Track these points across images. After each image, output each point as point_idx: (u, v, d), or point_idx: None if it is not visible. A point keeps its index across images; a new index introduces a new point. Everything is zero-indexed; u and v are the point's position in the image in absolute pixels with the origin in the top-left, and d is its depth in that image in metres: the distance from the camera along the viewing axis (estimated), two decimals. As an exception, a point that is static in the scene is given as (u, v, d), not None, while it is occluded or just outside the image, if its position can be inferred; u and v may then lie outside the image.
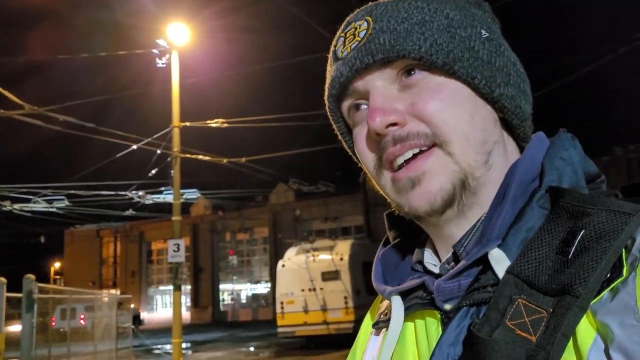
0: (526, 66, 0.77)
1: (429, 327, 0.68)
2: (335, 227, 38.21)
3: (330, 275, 16.55)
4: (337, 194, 33.29)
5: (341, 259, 16.65)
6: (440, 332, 0.66)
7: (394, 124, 0.67)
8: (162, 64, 17.84)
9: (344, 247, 17.49)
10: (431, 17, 0.68)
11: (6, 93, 12.72)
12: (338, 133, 0.80)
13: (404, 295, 0.72)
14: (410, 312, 0.70)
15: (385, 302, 0.81)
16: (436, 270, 0.72)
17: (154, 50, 17.89)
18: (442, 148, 0.66)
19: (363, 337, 0.86)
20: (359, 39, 0.69)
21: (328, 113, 0.78)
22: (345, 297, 16.28)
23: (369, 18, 0.70)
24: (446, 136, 0.66)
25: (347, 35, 0.72)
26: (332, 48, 0.75)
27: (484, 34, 0.70)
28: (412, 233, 0.79)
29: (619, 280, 0.53)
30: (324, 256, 16.96)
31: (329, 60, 0.76)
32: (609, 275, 0.54)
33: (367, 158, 0.72)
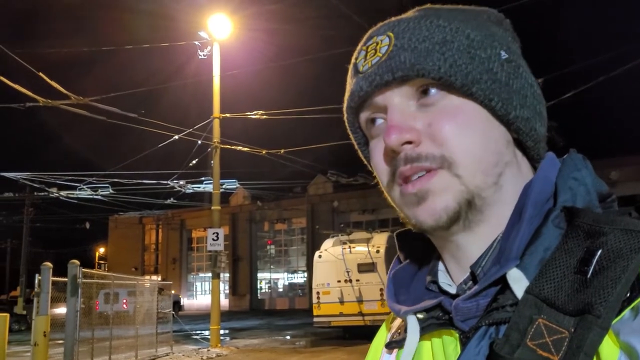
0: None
1: (446, 347, 0.69)
2: (373, 220, 38.10)
3: (366, 267, 16.54)
4: (376, 186, 32.96)
5: (377, 251, 16.61)
6: (459, 352, 0.66)
7: (409, 142, 0.68)
8: (204, 55, 18.08)
9: (380, 239, 17.44)
10: (452, 36, 0.69)
11: (53, 83, 13.14)
12: (355, 143, 0.81)
13: (419, 315, 0.72)
14: (426, 332, 0.71)
15: (397, 322, 0.82)
16: (452, 290, 0.72)
17: (196, 42, 18.14)
18: (449, 170, 0.67)
19: (373, 355, 0.86)
20: (380, 54, 0.70)
21: (346, 124, 0.79)
22: (381, 290, 16.24)
23: (391, 34, 0.71)
24: (456, 158, 0.66)
25: (369, 49, 0.73)
26: (353, 60, 0.76)
27: (503, 55, 0.71)
28: (423, 253, 0.79)
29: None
30: (361, 248, 16.94)
31: (349, 72, 0.76)
32: (628, 294, 0.54)
33: (381, 172, 0.73)
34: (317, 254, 17.91)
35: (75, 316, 10.43)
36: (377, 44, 0.72)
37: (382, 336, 0.87)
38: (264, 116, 18.37)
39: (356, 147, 0.82)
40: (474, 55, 0.68)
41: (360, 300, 16.54)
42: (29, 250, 38.10)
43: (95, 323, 11.94)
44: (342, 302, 16.76)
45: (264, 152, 19.66)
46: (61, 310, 11.11)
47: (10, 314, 10.91)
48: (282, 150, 19.73)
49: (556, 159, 0.71)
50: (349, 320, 16.71)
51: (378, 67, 0.70)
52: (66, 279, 10.47)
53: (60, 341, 10.82)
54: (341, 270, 16.78)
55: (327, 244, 18.06)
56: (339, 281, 16.85)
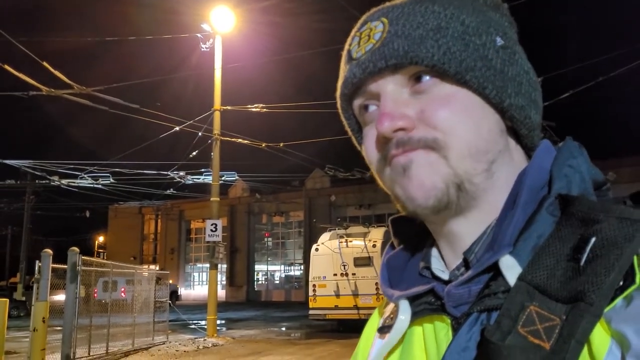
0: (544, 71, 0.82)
1: (438, 333, 0.68)
2: (369, 215, 38.14)
3: (362, 262, 16.63)
4: (372, 182, 32.93)
5: (374, 245, 16.71)
6: (450, 338, 0.66)
7: (402, 129, 0.67)
8: (206, 48, 18.12)
9: (377, 234, 17.52)
10: (447, 23, 0.68)
11: (56, 73, 13.22)
12: (348, 130, 0.81)
13: (412, 300, 0.72)
14: (418, 317, 0.71)
15: (390, 307, 0.81)
16: (444, 277, 0.71)
17: (198, 35, 18.18)
18: (438, 152, 0.66)
19: (365, 341, 0.86)
20: (374, 41, 0.70)
21: (339, 110, 0.79)
22: (377, 284, 16.19)
23: (385, 20, 0.70)
24: (448, 142, 0.66)
25: (362, 35, 0.72)
26: (346, 46, 0.75)
27: (499, 42, 0.70)
28: (416, 239, 0.79)
29: (633, 287, 0.53)
30: (357, 242, 17.02)
31: (342, 58, 0.76)
32: (622, 282, 0.54)
33: (372, 158, 0.73)
34: (314, 247, 18.00)
35: (74, 303, 10.52)
36: (371, 30, 0.71)
37: (375, 321, 0.86)
38: (264, 109, 18.45)
39: (350, 133, 0.81)
40: (469, 42, 0.68)
41: (355, 294, 16.65)
42: (29, 238, 38.22)
43: (94, 311, 12.03)
44: (337, 295, 16.87)
45: (263, 145, 19.75)
46: (59, 297, 11.23)
47: (9, 300, 11.03)
48: (282, 144, 19.83)
49: (552, 146, 0.71)
50: (344, 314, 16.82)
51: (371, 54, 0.69)
52: (65, 266, 10.55)
53: (58, 328, 10.90)
54: (337, 263, 16.89)
55: (324, 237, 18.13)
56: (335, 274, 16.96)
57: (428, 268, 0.74)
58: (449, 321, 0.67)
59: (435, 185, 0.66)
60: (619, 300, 0.54)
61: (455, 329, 0.66)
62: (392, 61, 0.68)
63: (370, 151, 0.73)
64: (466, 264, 0.69)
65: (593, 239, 0.56)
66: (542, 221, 0.62)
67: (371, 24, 0.72)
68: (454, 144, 0.66)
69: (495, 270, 0.62)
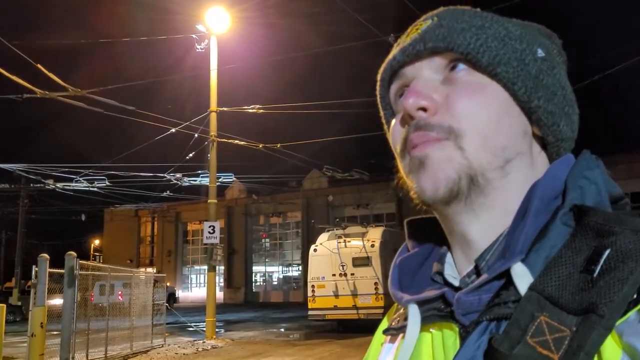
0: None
1: (446, 340, 0.68)
2: (368, 214, 38.17)
3: (361, 261, 16.62)
4: (370, 182, 33.17)
5: (372, 245, 16.71)
6: (458, 346, 0.65)
7: (424, 109, 0.68)
8: (201, 49, 18.06)
9: (375, 233, 17.53)
10: (490, 24, 0.71)
11: (50, 75, 13.13)
12: (384, 122, 0.81)
13: (421, 305, 0.71)
14: (426, 323, 0.70)
15: (399, 310, 0.81)
16: (456, 283, 0.71)
17: (193, 36, 18.11)
18: (455, 142, 0.67)
19: (375, 346, 0.85)
20: (420, 32, 0.73)
21: (377, 98, 0.81)
22: (376, 284, 16.35)
23: (436, 18, 0.74)
24: (464, 132, 0.66)
25: (412, 29, 0.75)
26: (399, 40, 0.78)
27: (539, 53, 0.71)
28: (431, 244, 0.79)
29: None
30: (356, 242, 17.02)
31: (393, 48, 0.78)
32: (635, 296, 0.53)
33: (396, 139, 0.74)
34: (312, 247, 17.99)
35: (73, 307, 10.46)
36: (421, 25, 0.74)
37: (384, 326, 0.85)
38: (261, 110, 18.40)
39: (385, 125, 0.81)
40: (507, 44, 0.69)
41: (354, 294, 16.64)
42: (24, 242, 38.06)
43: (91, 315, 11.97)
44: (336, 295, 16.86)
45: (260, 146, 19.71)
46: (56, 302, 11.14)
47: (5, 304, 10.94)
48: (279, 145, 19.78)
49: (572, 158, 0.70)
50: (343, 314, 16.82)
51: (413, 39, 0.72)
52: (62, 271, 10.49)
53: (55, 332, 10.85)
54: (336, 264, 16.88)
55: (323, 237, 18.14)
56: (333, 275, 16.95)
57: (440, 273, 0.74)
58: (457, 329, 0.67)
59: (448, 176, 0.67)
60: (632, 314, 0.53)
61: (463, 338, 0.65)
62: (430, 44, 0.70)
63: (394, 134, 0.74)
64: (477, 271, 0.69)
65: (607, 251, 0.55)
66: (556, 231, 0.61)
67: (423, 21, 0.75)
68: (468, 132, 0.66)
69: (506, 279, 0.62)
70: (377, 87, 0.79)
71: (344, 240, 17.23)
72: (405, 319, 0.73)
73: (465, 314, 0.66)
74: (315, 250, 17.66)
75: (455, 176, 0.66)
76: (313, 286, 17.31)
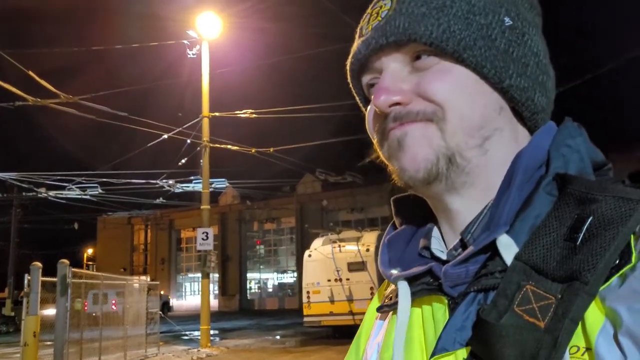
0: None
1: (435, 312, 0.69)
2: (362, 218, 38.21)
3: (356, 266, 16.56)
4: (364, 185, 33.20)
5: (367, 250, 16.65)
6: (447, 317, 0.66)
7: (398, 104, 0.69)
8: (193, 54, 18.02)
9: (370, 238, 17.48)
10: (452, 1, 0.69)
11: (42, 82, 13.06)
12: (360, 105, 0.82)
13: (411, 280, 0.72)
14: (416, 298, 0.71)
15: (390, 287, 0.81)
16: (443, 257, 0.72)
17: (185, 41, 18.07)
18: (436, 123, 0.67)
19: (368, 323, 0.86)
20: (380, 18, 0.71)
21: (350, 86, 0.81)
22: (371, 288, 16.28)
23: None
24: (445, 114, 0.67)
25: (372, 13, 0.74)
26: (360, 23, 0.76)
27: (507, 22, 0.69)
28: (418, 219, 0.79)
29: (628, 266, 0.54)
30: (351, 247, 16.96)
31: (356, 35, 0.77)
32: (617, 261, 0.54)
33: (372, 131, 0.75)
34: (306, 253, 17.91)
35: (65, 316, 10.36)
36: (381, 7, 0.73)
37: (375, 304, 0.86)
38: (254, 115, 18.35)
39: (362, 108, 0.82)
40: (472, 21, 0.68)
41: (350, 299, 16.57)
42: (16, 252, 37.75)
43: (84, 324, 11.86)
44: (332, 301, 16.77)
45: (253, 150, 19.66)
46: (49, 311, 11.01)
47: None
48: (272, 149, 19.73)
49: (554, 127, 0.71)
50: (339, 320, 16.73)
51: (375, 31, 0.71)
52: (55, 279, 10.41)
53: (49, 342, 10.75)
54: (331, 269, 16.80)
55: (317, 243, 18.06)
56: (329, 280, 16.87)
57: (427, 248, 0.75)
58: (446, 301, 0.68)
59: (427, 157, 0.67)
60: (614, 279, 0.54)
61: (452, 309, 0.66)
62: (392, 38, 0.69)
63: (370, 127, 0.75)
64: (463, 244, 0.70)
65: (590, 219, 0.56)
66: (540, 201, 0.62)
67: (382, 1, 0.73)
68: (450, 116, 0.66)
69: (492, 250, 0.62)
70: (348, 78, 0.79)
71: (339, 245, 17.16)
72: (397, 295, 0.74)
73: (454, 286, 0.67)
74: (309, 255, 17.58)
75: (433, 157, 0.67)
76: (308, 292, 17.22)
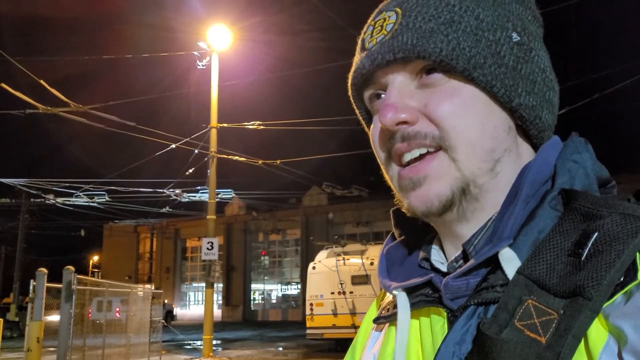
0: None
1: (434, 325, 0.68)
2: (368, 232, 38.04)
3: (360, 280, 16.52)
4: (370, 199, 33.20)
5: (372, 263, 16.60)
6: (446, 330, 0.65)
7: (405, 122, 0.67)
8: (203, 66, 18.18)
9: (375, 251, 17.40)
10: (460, 17, 0.67)
11: (53, 91, 13.20)
12: (360, 119, 0.81)
13: (409, 291, 0.71)
14: (414, 309, 0.70)
15: (388, 298, 0.80)
16: (443, 268, 0.71)
17: (195, 53, 18.24)
18: (447, 153, 0.66)
19: (363, 333, 0.86)
20: (385, 32, 0.69)
21: (351, 99, 0.79)
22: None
23: (399, 10, 0.70)
24: (452, 141, 0.65)
25: (376, 25, 0.72)
26: (361, 35, 0.75)
27: (515, 38, 0.68)
28: (418, 231, 0.78)
29: (634, 283, 0.53)
30: (355, 260, 16.92)
31: (357, 47, 0.75)
32: (622, 278, 0.53)
33: (378, 149, 0.73)
34: (311, 265, 17.88)
35: (69, 322, 10.37)
36: (385, 20, 0.71)
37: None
38: (261, 126, 18.46)
39: (362, 122, 0.81)
40: (481, 38, 0.66)
41: (353, 313, 16.50)
42: (23, 258, 37.89)
43: (88, 331, 11.87)
44: (335, 314, 16.72)
45: (260, 162, 19.71)
46: (53, 317, 11.04)
47: (2, 320, 10.86)
48: (279, 161, 19.79)
49: (559, 142, 0.70)
50: (341, 333, 16.64)
51: (381, 45, 0.69)
52: (60, 285, 10.42)
53: (52, 349, 10.75)
54: (335, 282, 16.76)
55: (321, 255, 18.04)
56: (332, 293, 16.82)
57: (427, 259, 0.74)
58: (445, 314, 0.67)
59: (441, 194, 0.66)
60: (618, 296, 0.53)
61: (452, 322, 0.65)
62: (400, 54, 0.67)
63: (375, 143, 0.73)
64: (465, 256, 0.69)
65: (595, 235, 0.55)
66: (544, 215, 0.61)
67: (386, 13, 0.71)
68: (458, 142, 0.65)
69: (494, 264, 0.62)
70: (349, 90, 0.77)
71: (343, 258, 17.13)
72: (395, 306, 0.73)
73: (454, 299, 0.66)
74: (314, 268, 17.55)
75: (449, 193, 0.66)
76: (311, 304, 17.17)
